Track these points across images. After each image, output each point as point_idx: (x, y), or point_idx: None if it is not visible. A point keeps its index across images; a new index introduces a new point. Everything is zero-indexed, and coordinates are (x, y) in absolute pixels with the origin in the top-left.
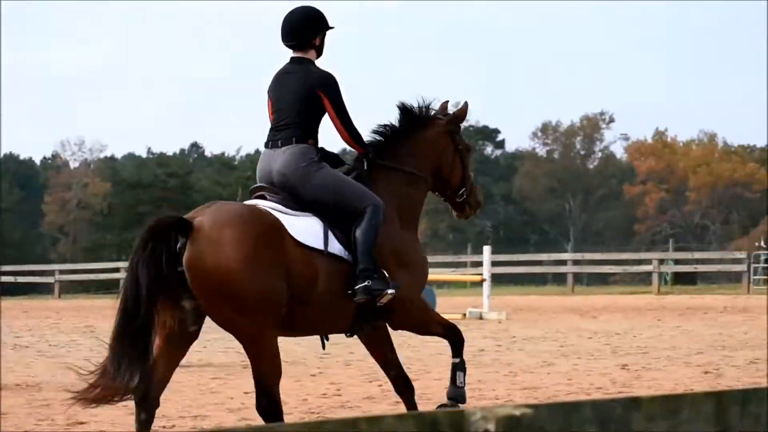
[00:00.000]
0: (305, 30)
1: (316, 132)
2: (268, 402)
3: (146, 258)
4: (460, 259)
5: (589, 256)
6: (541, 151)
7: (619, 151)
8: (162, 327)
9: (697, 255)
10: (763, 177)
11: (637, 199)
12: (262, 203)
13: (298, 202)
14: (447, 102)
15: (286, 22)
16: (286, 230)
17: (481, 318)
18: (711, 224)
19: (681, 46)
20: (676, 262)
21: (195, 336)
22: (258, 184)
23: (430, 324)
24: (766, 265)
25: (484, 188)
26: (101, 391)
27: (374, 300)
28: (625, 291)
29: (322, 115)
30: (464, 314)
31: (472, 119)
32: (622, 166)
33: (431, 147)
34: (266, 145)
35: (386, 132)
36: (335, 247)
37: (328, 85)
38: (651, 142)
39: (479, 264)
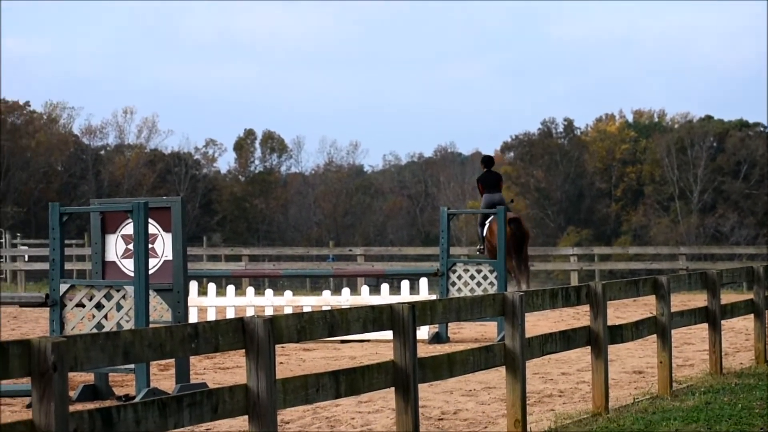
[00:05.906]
0: (492, 162)
1: (501, 190)
2: None
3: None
4: None
5: None
6: None
7: None
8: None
9: None
10: None
11: None
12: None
13: None
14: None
15: (487, 159)
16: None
17: None
18: None
19: None
20: None
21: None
22: (492, 206)
23: None
24: None
25: None
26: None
27: None
28: None
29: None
30: None
31: None
32: None
33: None
34: (488, 191)
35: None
36: None
37: (501, 178)
38: None
39: None
